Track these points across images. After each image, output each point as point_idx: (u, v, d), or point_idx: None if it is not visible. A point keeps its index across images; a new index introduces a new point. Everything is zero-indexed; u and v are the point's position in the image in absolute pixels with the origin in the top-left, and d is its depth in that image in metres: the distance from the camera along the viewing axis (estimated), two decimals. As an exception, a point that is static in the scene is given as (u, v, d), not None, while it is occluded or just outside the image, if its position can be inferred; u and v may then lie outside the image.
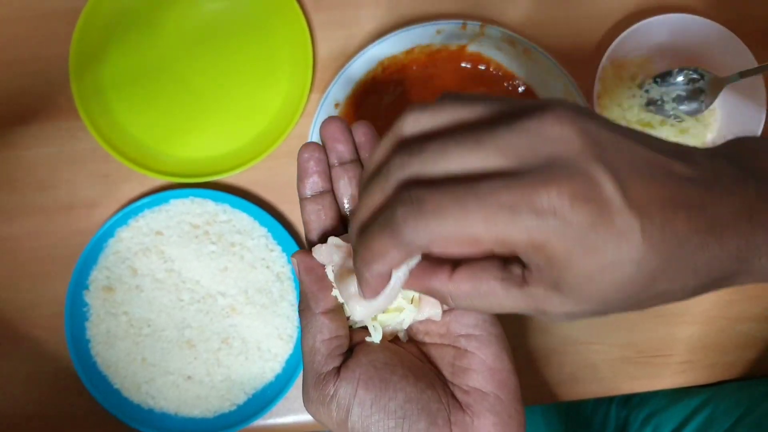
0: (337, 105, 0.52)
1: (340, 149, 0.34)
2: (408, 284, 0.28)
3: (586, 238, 0.22)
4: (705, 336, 0.55)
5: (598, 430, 0.63)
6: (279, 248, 0.54)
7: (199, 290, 0.53)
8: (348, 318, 0.33)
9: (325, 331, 0.31)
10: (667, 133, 0.54)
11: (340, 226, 0.34)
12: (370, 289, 0.28)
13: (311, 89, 0.55)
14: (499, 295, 0.26)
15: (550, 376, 0.54)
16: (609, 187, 0.22)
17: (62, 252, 0.54)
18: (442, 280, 0.27)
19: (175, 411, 0.52)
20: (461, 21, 0.51)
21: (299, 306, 0.33)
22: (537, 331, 0.55)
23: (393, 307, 0.32)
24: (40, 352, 0.54)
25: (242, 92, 0.56)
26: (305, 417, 0.54)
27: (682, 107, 0.54)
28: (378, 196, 0.26)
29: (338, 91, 0.51)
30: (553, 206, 0.22)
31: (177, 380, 0.52)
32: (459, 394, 0.31)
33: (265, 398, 0.52)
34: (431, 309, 0.32)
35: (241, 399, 0.53)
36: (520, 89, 0.53)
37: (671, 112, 0.55)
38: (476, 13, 0.57)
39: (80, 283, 0.52)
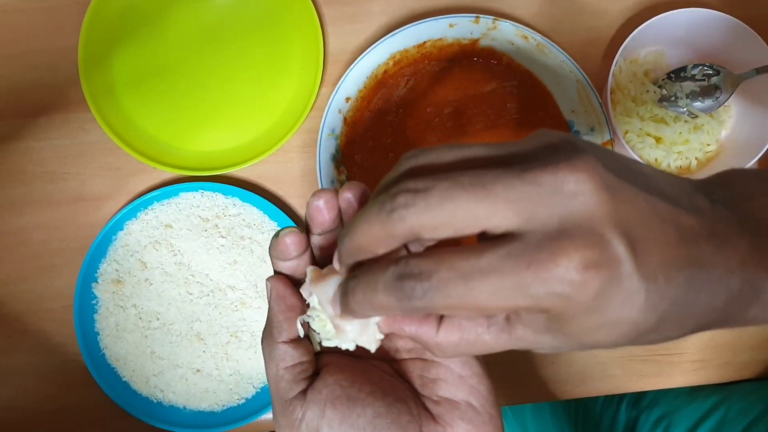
0: (347, 99, 0.51)
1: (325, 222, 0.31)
2: (392, 328, 0.28)
3: (592, 302, 0.22)
4: (717, 335, 0.54)
5: (606, 431, 0.63)
6: (288, 243, 0.53)
7: (209, 284, 0.53)
8: (317, 342, 0.32)
9: (287, 358, 0.30)
10: (681, 129, 0.53)
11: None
12: (352, 314, 0.27)
13: (321, 83, 0.54)
14: (486, 341, 0.26)
15: (558, 373, 0.54)
16: (622, 253, 0.21)
17: (72, 244, 0.54)
18: (429, 333, 0.27)
19: (183, 404, 0.52)
20: (474, 15, 0.50)
21: (263, 333, 0.32)
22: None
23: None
24: (50, 344, 0.54)
25: (252, 86, 0.56)
26: (313, 412, 0.54)
27: (697, 103, 0.54)
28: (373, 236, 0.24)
29: (349, 86, 0.51)
30: (562, 277, 0.21)
31: (186, 374, 0.52)
32: (430, 405, 0.31)
33: (273, 392, 0.52)
34: (368, 339, 0.30)
35: (250, 393, 0.53)
36: (533, 85, 0.53)
37: (685, 109, 0.54)
38: (489, 6, 0.57)
39: (89, 275, 0.52)
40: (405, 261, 0.23)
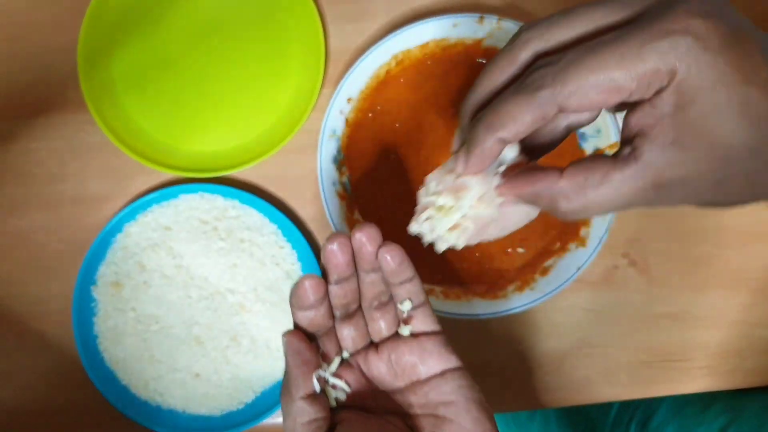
0: (349, 100, 0.51)
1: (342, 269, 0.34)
2: (513, 188, 0.29)
3: (716, 66, 0.23)
4: (725, 341, 0.53)
5: None
6: (289, 245, 0.53)
7: (208, 287, 0.52)
8: (333, 398, 0.34)
9: (304, 414, 0.31)
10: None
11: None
12: (479, 162, 0.28)
13: (323, 84, 0.54)
14: (614, 179, 0.25)
15: (562, 379, 0.53)
16: (746, 24, 0.23)
17: (70, 246, 0.54)
18: (551, 181, 0.27)
19: (182, 409, 0.52)
20: (478, 14, 0.50)
21: (281, 390, 0.33)
22: (549, 335, 0.54)
23: (452, 225, 0.32)
24: (48, 347, 0.53)
25: (253, 86, 0.55)
26: (314, 416, 0.54)
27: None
28: (500, 75, 0.27)
29: (351, 86, 0.50)
30: (686, 26, 0.23)
31: (185, 378, 0.51)
32: None
33: (273, 397, 0.51)
34: (495, 231, 0.32)
35: (250, 397, 0.52)
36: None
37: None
38: (493, 6, 0.56)
39: (88, 278, 0.51)
40: (530, 68, 0.25)
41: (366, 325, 0.36)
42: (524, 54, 0.27)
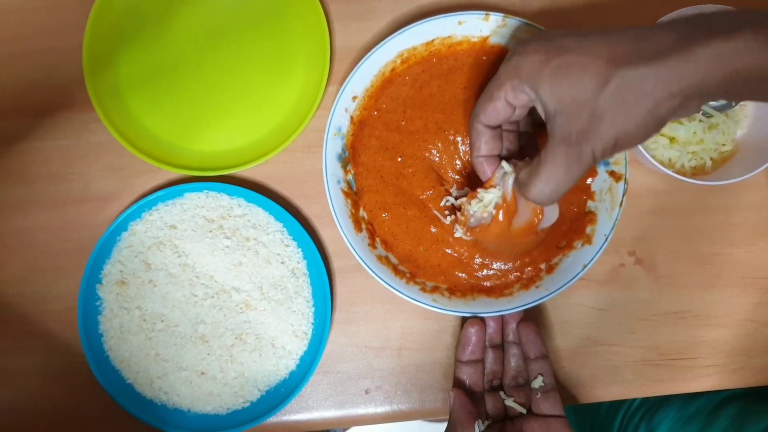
0: (354, 98, 0.51)
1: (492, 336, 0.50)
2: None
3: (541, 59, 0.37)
4: (731, 339, 0.53)
5: None
6: (294, 243, 0.53)
7: (213, 285, 0.52)
8: None
9: None
10: (695, 129, 0.52)
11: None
12: (475, 148, 0.45)
13: (328, 82, 0.53)
14: (545, 168, 0.38)
15: (570, 377, 0.53)
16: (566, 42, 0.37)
17: (76, 245, 0.54)
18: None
19: (188, 407, 0.52)
20: (484, 12, 0.49)
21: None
22: (556, 333, 0.53)
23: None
24: (54, 346, 0.54)
25: (258, 85, 0.55)
26: (319, 414, 0.54)
27: (711, 102, 0.53)
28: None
29: (356, 84, 0.50)
30: (511, 55, 0.39)
31: (190, 376, 0.51)
32: None
33: (278, 396, 0.51)
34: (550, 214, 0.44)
35: (255, 396, 0.52)
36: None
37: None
38: (499, 3, 0.56)
39: (93, 276, 0.51)
40: None
41: (503, 401, 0.48)
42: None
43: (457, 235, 0.48)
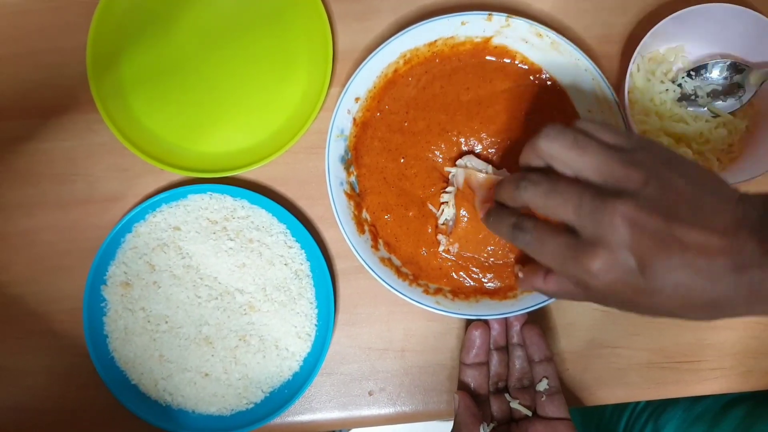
0: (357, 99, 0.50)
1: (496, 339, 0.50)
2: (521, 283, 0.44)
3: (602, 288, 0.34)
4: (738, 342, 0.52)
5: None
6: (298, 245, 0.53)
7: (217, 287, 0.52)
8: None
9: None
10: (702, 128, 0.51)
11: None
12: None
13: (331, 83, 0.53)
14: (571, 290, 0.38)
15: (574, 380, 0.53)
16: (630, 265, 0.33)
17: (80, 246, 0.54)
18: (539, 281, 0.41)
19: (192, 408, 0.52)
20: (487, 12, 0.49)
21: None
22: (560, 336, 0.53)
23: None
24: (59, 346, 0.54)
25: (261, 86, 0.55)
26: (322, 416, 0.54)
27: (718, 102, 0.52)
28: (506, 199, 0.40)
29: (358, 86, 0.50)
30: (587, 268, 0.34)
31: (194, 377, 0.52)
32: None
33: (282, 397, 0.51)
34: None
35: (259, 397, 0.52)
36: (548, 83, 0.51)
37: (706, 108, 0.52)
38: (502, 3, 0.55)
39: (98, 278, 0.52)
40: (520, 218, 0.39)
41: (509, 404, 0.48)
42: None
43: (441, 249, 0.50)
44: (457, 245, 0.50)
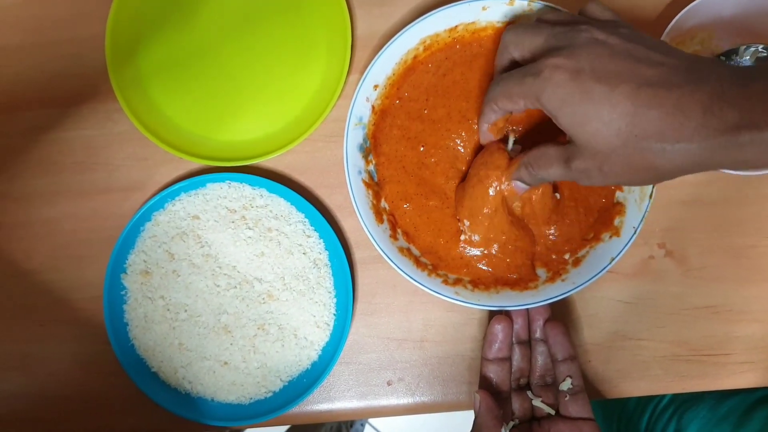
0: (376, 87, 0.50)
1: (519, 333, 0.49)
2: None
3: (565, 95, 0.37)
4: (767, 335, 0.51)
5: None
6: (316, 234, 0.52)
7: (236, 276, 0.52)
8: None
9: None
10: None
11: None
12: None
13: (349, 70, 0.53)
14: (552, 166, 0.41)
15: (597, 372, 0.52)
16: (584, 62, 0.37)
17: (101, 235, 0.54)
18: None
19: (211, 396, 0.52)
20: (509, -4, 0.48)
21: None
22: (582, 327, 0.52)
23: None
24: (80, 333, 0.54)
25: (279, 74, 0.55)
26: (341, 405, 0.53)
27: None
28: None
29: (377, 73, 0.49)
30: (542, 70, 0.38)
31: (213, 366, 0.52)
32: None
33: (301, 386, 0.51)
34: None
35: (277, 386, 0.52)
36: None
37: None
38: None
39: (118, 266, 0.52)
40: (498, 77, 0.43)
41: (531, 401, 0.47)
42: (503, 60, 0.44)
43: (462, 238, 0.50)
44: (477, 235, 0.49)
